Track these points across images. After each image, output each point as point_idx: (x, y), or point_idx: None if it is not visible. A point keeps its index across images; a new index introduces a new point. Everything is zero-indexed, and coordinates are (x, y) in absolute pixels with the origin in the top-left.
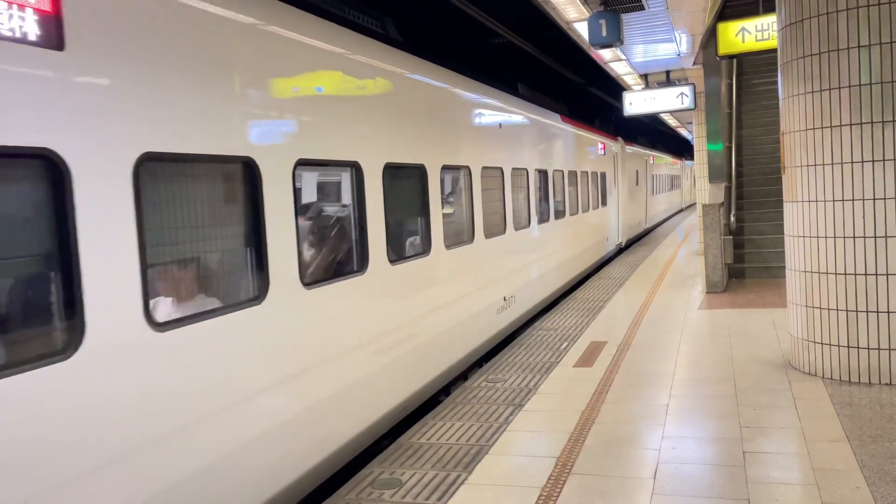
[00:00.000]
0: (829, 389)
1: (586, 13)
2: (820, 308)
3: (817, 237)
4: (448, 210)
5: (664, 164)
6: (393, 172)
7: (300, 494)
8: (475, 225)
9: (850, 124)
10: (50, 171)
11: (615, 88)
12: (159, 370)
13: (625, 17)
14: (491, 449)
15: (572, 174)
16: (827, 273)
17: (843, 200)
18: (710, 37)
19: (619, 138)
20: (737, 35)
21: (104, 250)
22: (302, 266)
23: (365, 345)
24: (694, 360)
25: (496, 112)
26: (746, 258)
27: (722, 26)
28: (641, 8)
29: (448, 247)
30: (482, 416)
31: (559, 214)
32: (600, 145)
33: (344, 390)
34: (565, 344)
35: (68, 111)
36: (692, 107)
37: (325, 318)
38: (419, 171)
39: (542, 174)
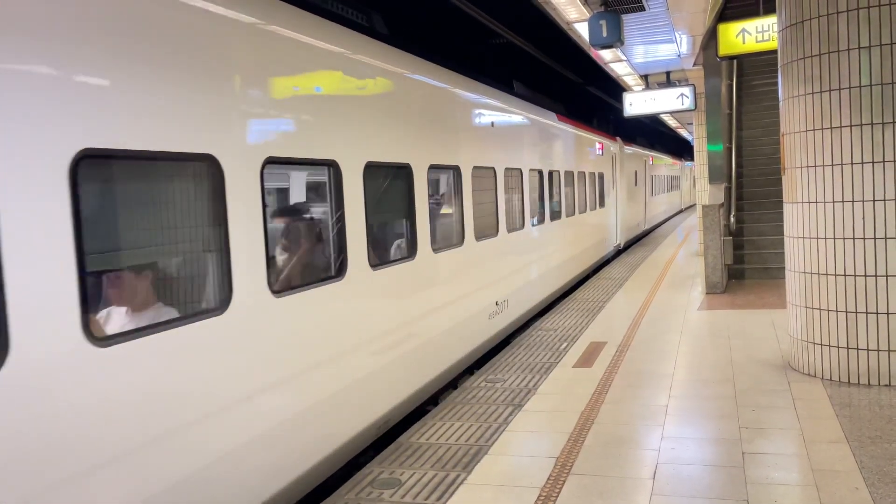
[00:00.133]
0: (828, 390)
1: (587, 14)
2: (819, 309)
3: (817, 238)
4: (436, 211)
5: (663, 164)
6: (375, 172)
7: None
8: (465, 227)
9: (851, 126)
10: None
11: (614, 88)
12: (100, 391)
13: (625, 17)
14: (490, 449)
15: (569, 174)
16: (826, 274)
17: (842, 202)
18: (711, 38)
19: (618, 138)
20: (737, 36)
21: (34, 258)
22: (271, 272)
23: (343, 356)
24: (693, 361)
25: (489, 110)
26: (746, 259)
27: (722, 27)
28: (642, 9)
29: (436, 250)
30: (481, 416)
31: (555, 216)
32: (598, 145)
33: (318, 405)
34: (565, 344)
35: None
36: (692, 107)
37: (297, 328)
38: (404, 171)
39: (538, 174)
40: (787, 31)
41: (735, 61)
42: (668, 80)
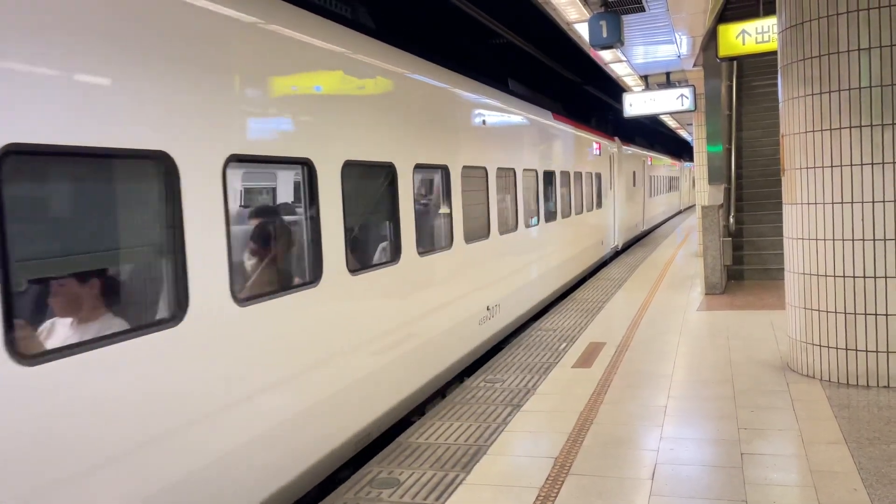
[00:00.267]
0: (827, 392)
1: (587, 14)
2: (818, 310)
3: (816, 239)
4: (423, 213)
5: (662, 165)
6: (354, 171)
7: None
8: (454, 229)
9: (850, 127)
10: None
11: (613, 88)
12: (28, 415)
13: (625, 18)
14: (489, 449)
15: (565, 175)
16: (825, 275)
17: (842, 203)
18: (711, 39)
19: (616, 138)
20: (737, 37)
21: None
22: (235, 279)
23: (318, 367)
24: (692, 362)
25: (480, 107)
26: (745, 260)
27: (722, 28)
28: (642, 9)
29: (422, 253)
30: (480, 416)
31: (551, 217)
32: (595, 145)
33: (291, 420)
34: (564, 344)
35: None
36: (692, 108)
37: (265, 340)
38: (388, 171)
39: (532, 174)
40: (787, 33)
41: (735, 62)
42: (668, 81)
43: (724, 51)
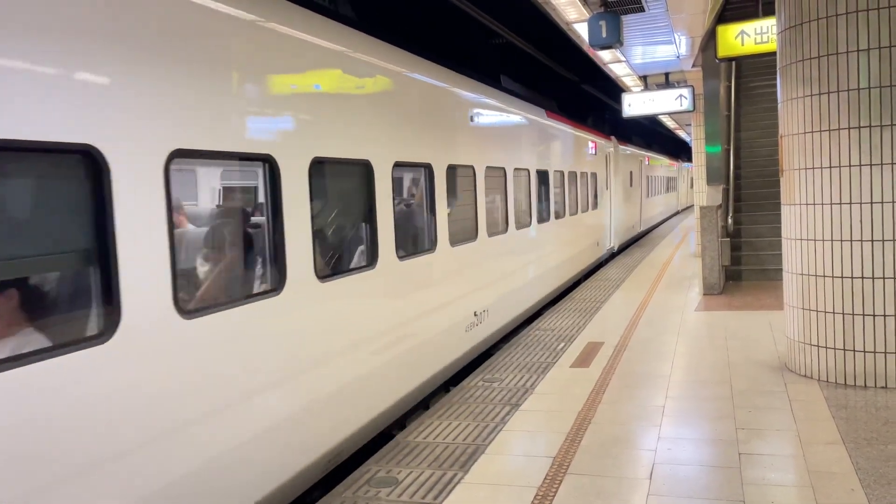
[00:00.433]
0: (824, 392)
1: (586, 14)
2: (816, 311)
3: (814, 240)
4: (403, 214)
5: (660, 165)
6: (325, 169)
7: None
8: (438, 231)
9: (849, 128)
10: None
11: (610, 87)
12: None
13: (625, 18)
14: (487, 448)
15: (559, 174)
16: (824, 276)
17: (840, 204)
18: (710, 39)
19: (613, 137)
20: (736, 38)
21: None
22: (181, 289)
23: (280, 384)
24: (690, 362)
25: (467, 103)
26: (743, 260)
27: (721, 29)
28: (641, 10)
29: (402, 257)
30: (479, 415)
31: (543, 218)
32: (591, 144)
33: (251, 442)
34: (562, 344)
35: None
36: (691, 109)
37: (216, 355)
38: (363, 169)
39: (524, 174)
40: (786, 34)
41: (733, 63)
42: (667, 82)
43: (723, 51)
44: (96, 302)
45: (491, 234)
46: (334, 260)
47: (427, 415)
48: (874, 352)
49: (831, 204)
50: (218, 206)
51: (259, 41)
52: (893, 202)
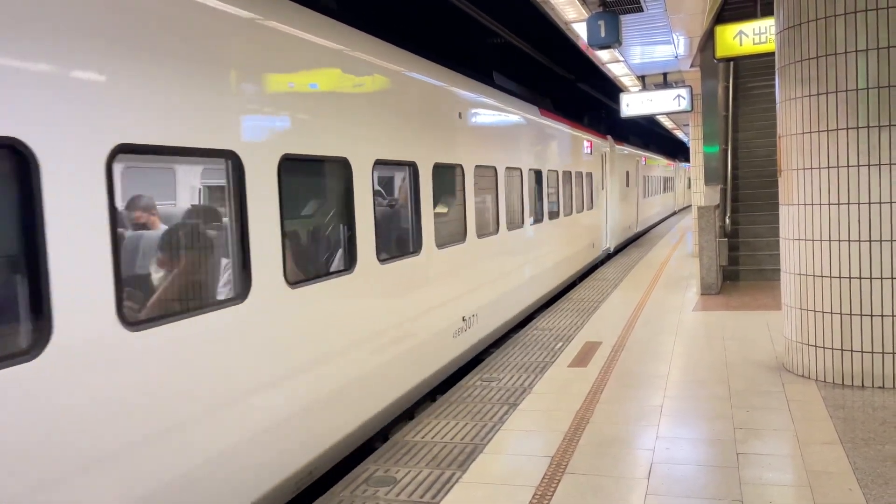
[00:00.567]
0: (822, 392)
1: (585, 14)
2: (814, 311)
3: (812, 240)
4: (386, 215)
5: (657, 165)
6: (297, 167)
7: None
8: (423, 232)
9: (847, 128)
10: None
11: (607, 86)
12: None
13: (623, 18)
14: (485, 448)
15: (553, 174)
16: (821, 276)
17: (838, 204)
18: (708, 39)
19: (609, 137)
20: (734, 38)
21: None
22: (126, 297)
23: (244, 399)
24: (688, 362)
25: (456, 99)
26: (741, 261)
27: (720, 29)
28: (640, 9)
29: (384, 260)
30: (477, 414)
31: (537, 218)
32: (586, 143)
33: (208, 464)
34: (560, 344)
35: None
36: (689, 109)
37: (170, 371)
38: (341, 167)
39: (517, 173)
40: (784, 34)
41: (731, 63)
42: (665, 82)
43: (721, 51)
44: (24, 314)
45: (481, 235)
46: (308, 264)
47: (425, 414)
48: (871, 352)
49: (829, 204)
50: (175, 205)
51: (221, 25)
52: (892, 202)
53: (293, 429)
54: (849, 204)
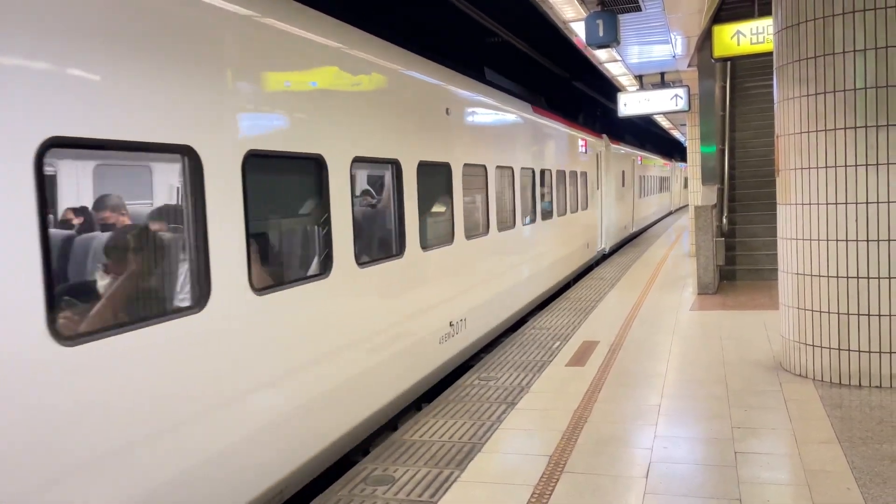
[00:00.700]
0: (819, 391)
1: (583, 13)
2: (812, 310)
3: (810, 240)
4: (366, 216)
5: (653, 164)
6: (265, 165)
7: None
8: (407, 234)
9: (845, 128)
10: None
11: (603, 85)
12: None
13: (621, 17)
14: (484, 447)
15: (546, 173)
16: (819, 276)
17: (836, 204)
18: (706, 39)
19: (604, 136)
20: (732, 38)
21: None
22: (62, 307)
23: (204, 416)
24: (685, 361)
25: (443, 95)
26: (738, 260)
27: (717, 29)
28: (638, 9)
29: (363, 263)
30: (475, 413)
31: (529, 219)
32: (581, 142)
33: (165, 486)
34: (557, 343)
35: None
36: (686, 109)
37: (114, 389)
38: (316, 165)
39: (508, 172)
40: (783, 34)
41: (728, 63)
42: (663, 81)
43: (718, 51)
44: None
45: (470, 236)
46: (277, 269)
47: (423, 413)
48: (869, 351)
49: (827, 204)
50: (113, 206)
51: (173, 5)
52: (889, 202)
53: (258, 447)
54: (846, 204)
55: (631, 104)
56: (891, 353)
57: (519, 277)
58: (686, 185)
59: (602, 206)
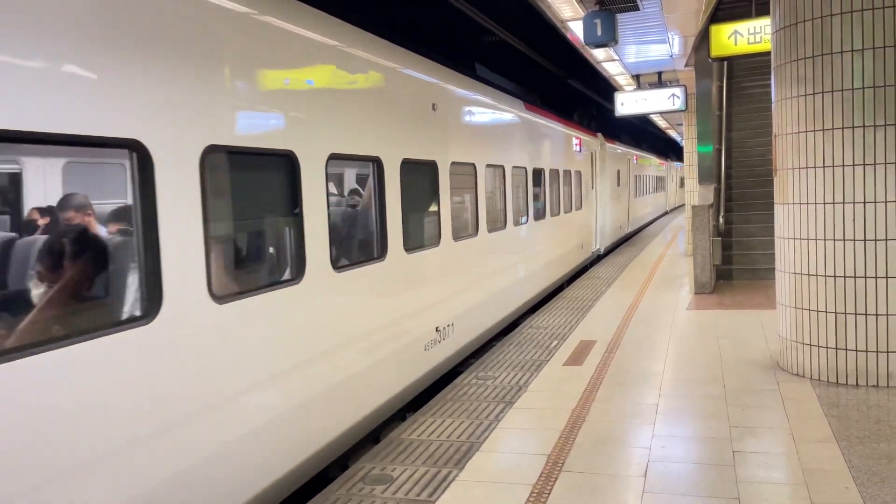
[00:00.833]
0: (816, 390)
1: (581, 12)
2: (809, 310)
3: (807, 239)
4: (345, 217)
5: (649, 164)
6: (227, 161)
7: None
8: (389, 235)
9: (843, 128)
10: None
11: (599, 84)
12: None
13: (619, 17)
14: (482, 446)
15: (539, 172)
16: (816, 275)
17: (833, 203)
18: (703, 39)
19: (599, 135)
20: (729, 37)
21: None
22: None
23: (155, 439)
24: (683, 361)
25: (430, 89)
26: (734, 260)
27: (715, 28)
28: (636, 8)
29: (340, 267)
30: (473, 413)
31: (521, 219)
32: (576, 140)
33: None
34: (555, 342)
35: None
36: (683, 108)
37: (41, 414)
38: (286, 162)
39: (499, 171)
40: (780, 33)
41: (725, 63)
42: (660, 81)
43: (716, 51)
44: None
45: (458, 237)
46: (242, 275)
47: (421, 412)
48: (866, 350)
49: (824, 203)
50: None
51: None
52: (886, 202)
53: (222, 470)
54: (844, 203)
55: (628, 103)
56: (888, 352)
57: (510, 280)
58: (682, 185)
59: (597, 206)
